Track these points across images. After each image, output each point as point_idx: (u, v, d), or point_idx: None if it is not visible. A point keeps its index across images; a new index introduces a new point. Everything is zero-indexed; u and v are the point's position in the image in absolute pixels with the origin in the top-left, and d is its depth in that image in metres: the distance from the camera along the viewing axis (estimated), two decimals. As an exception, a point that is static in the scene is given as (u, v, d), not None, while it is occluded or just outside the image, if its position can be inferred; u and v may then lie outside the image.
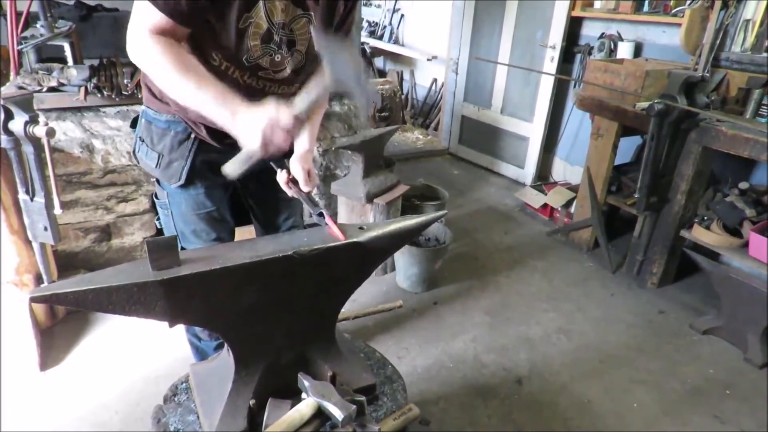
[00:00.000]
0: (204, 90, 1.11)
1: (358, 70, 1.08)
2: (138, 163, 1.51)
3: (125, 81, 2.51)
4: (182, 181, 1.41)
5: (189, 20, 1.13)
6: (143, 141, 1.43)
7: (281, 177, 1.32)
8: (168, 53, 1.10)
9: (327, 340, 1.23)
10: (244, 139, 1.12)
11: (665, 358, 2.46)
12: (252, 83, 1.31)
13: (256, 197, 1.67)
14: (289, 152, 1.36)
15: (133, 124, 1.52)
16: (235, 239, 1.64)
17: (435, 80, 5.94)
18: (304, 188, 1.31)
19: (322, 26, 1.33)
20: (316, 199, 3.25)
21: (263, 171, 1.44)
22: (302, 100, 1.14)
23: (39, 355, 2.17)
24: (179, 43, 1.15)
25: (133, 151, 1.51)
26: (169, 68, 1.10)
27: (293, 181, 1.32)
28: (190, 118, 1.37)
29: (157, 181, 1.50)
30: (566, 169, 4.38)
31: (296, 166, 1.30)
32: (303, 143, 1.36)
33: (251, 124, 1.09)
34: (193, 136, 1.39)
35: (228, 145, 1.42)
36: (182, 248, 1.50)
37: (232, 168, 1.20)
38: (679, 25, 3.04)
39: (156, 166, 1.41)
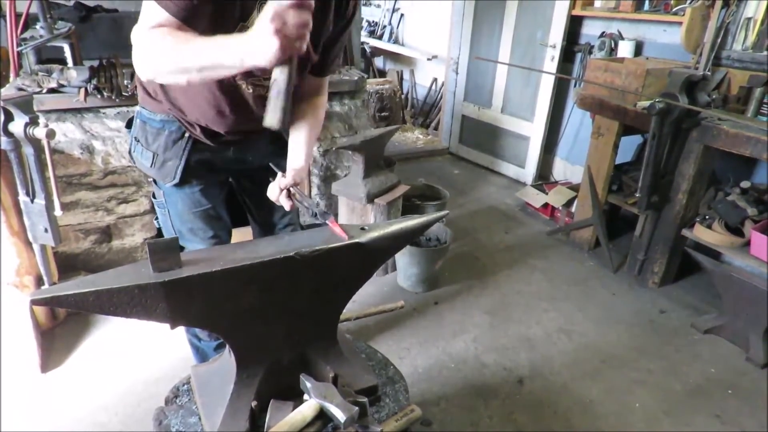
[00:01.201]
0: (209, 41, 1.04)
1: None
2: (134, 162, 1.52)
3: (125, 82, 2.51)
4: (177, 180, 1.42)
5: (193, 20, 1.11)
6: (138, 141, 1.45)
7: (274, 187, 1.31)
8: (168, 33, 1.06)
9: (329, 341, 1.23)
10: (262, 51, 0.98)
11: (666, 357, 2.45)
12: (242, 85, 1.31)
13: (252, 196, 1.68)
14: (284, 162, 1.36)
15: (128, 124, 1.53)
16: (232, 241, 1.64)
17: (435, 80, 5.93)
18: (285, 204, 1.29)
19: (316, 32, 1.31)
20: (317, 200, 3.24)
21: (258, 170, 1.43)
22: None
23: (40, 356, 2.17)
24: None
25: (129, 151, 1.52)
26: (171, 43, 1.05)
27: (288, 191, 1.30)
28: (184, 118, 1.37)
29: (154, 180, 1.51)
30: (567, 169, 4.37)
31: (289, 179, 1.30)
32: (298, 159, 1.35)
33: (261, 28, 0.97)
34: (187, 135, 1.40)
35: (222, 143, 1.44)
36: (180, 247, 1.50)
37: (272, 116, 1.07)
38: (680, 23, 3.04)
39: (151, 166, 1.43)
